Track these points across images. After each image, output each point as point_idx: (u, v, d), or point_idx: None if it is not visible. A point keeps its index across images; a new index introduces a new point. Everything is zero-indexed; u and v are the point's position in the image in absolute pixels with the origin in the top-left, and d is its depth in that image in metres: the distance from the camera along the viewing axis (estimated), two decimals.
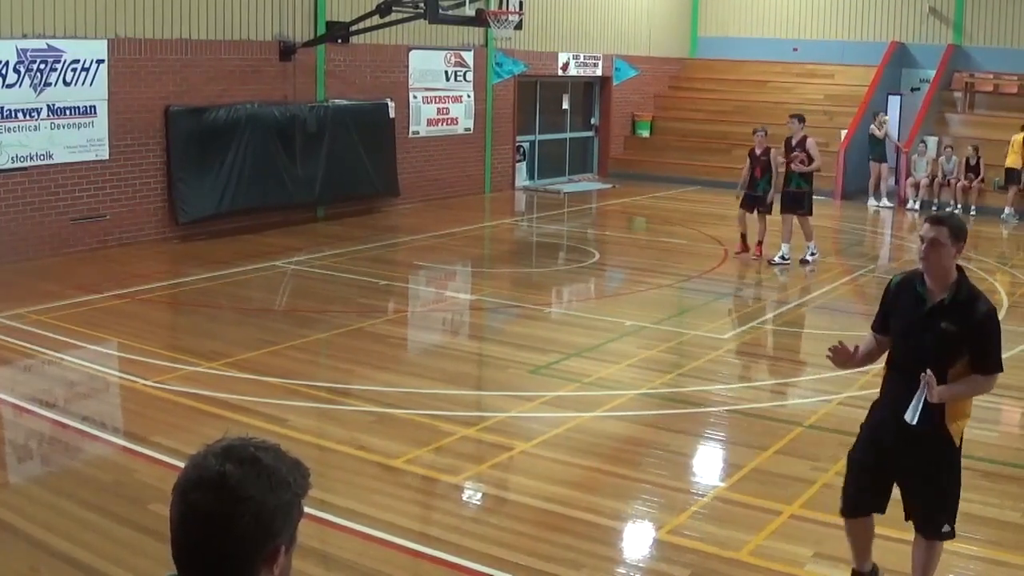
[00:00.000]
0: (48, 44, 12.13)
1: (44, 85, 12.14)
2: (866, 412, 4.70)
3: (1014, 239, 16.76)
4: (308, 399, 7.55)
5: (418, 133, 17.75)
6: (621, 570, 5.22)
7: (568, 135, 22.16)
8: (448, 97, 18.24)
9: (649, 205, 19.04)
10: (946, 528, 4.42)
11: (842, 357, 4.55)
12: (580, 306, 11.38)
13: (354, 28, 15.14)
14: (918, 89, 21.31)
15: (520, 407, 7.56)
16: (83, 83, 12.53)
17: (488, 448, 6.78)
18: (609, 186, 21.13)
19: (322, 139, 15.40)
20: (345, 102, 15.94)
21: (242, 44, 14.51)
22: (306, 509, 1.82)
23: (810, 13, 23.03)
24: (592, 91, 22.56)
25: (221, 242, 13.69)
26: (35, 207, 12.28)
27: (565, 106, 21.81)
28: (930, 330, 4.27)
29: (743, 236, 13.53)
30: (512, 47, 19.05)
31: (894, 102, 20.97)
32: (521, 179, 20.58)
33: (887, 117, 19.68)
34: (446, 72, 18.16)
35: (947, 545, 4.70)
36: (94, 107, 12.70)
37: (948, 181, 18.86)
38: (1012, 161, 18.13)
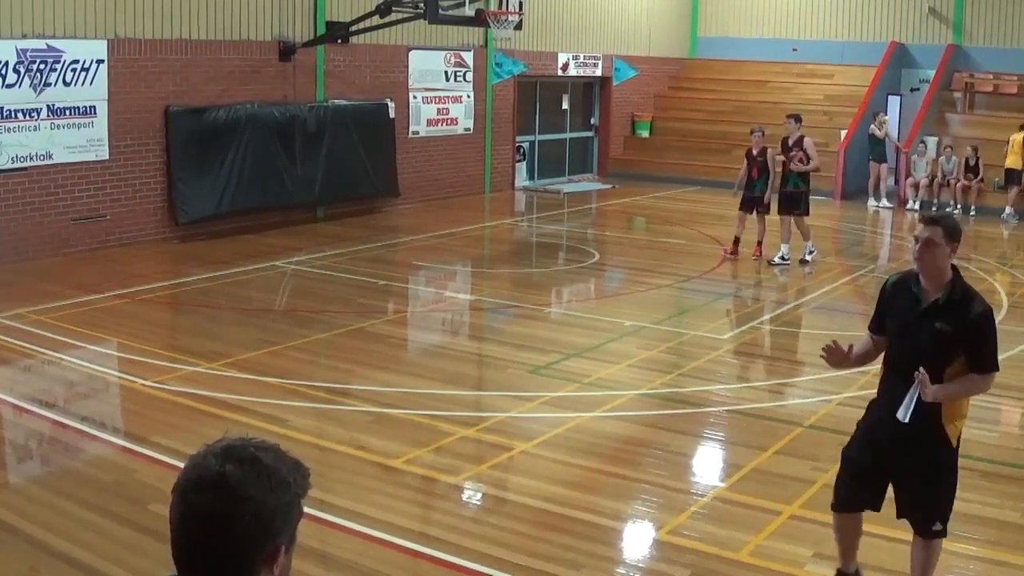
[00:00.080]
0: (48, 44, 12.13)
1: (44, 85, 12.14)
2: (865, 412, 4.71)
3: (1014, 239, 16.76)
4: (308, 399, 7.55)
5: (418, 133, 17.75)
6: (621, 570, 5.23)
7: (568, 135, 22.16)
8: (448, 97, 18.25)
9: (649, 205, 19.04)
10: (937, 527, 4.43)
11: (836, 357, 4.56)
12: (580, 306, 11.38)
13: (354, 28, 15.14)
14: (918, 89, 21.31)
15: (520, 407, 7.56)
16: (83, 83, 12.53)
17: (488, 448, 6.78)
18: (609, 186, 21.13)
19: (322, 139, 15.40)
20: (345, 102, 15.94)
21: (242, 44, 14.51)
22: (306, 509, 1.82)
23: (810, 13, 23.03)
24: (592, 91, 22.56)
25: (221, 242, 13.70)
26: (35, 207, 12.29)
27: (565, 106, 21.81)
28: (925, 330, 4.28)
29: (736, 239, 13.51)
30: (512, 47, 19.05)
31: (894, 102, 20.97)
32: (521, 179, 20.58)
33: (887, 117, 19.68)
34: (446, 72, 18.16)
35: (947, 545, 4.70)
36: (94, 107, 12.70)
37: (948, 181, 18.86)
38: (1012, 162, 18.12)
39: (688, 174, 21.24)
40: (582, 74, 21.54)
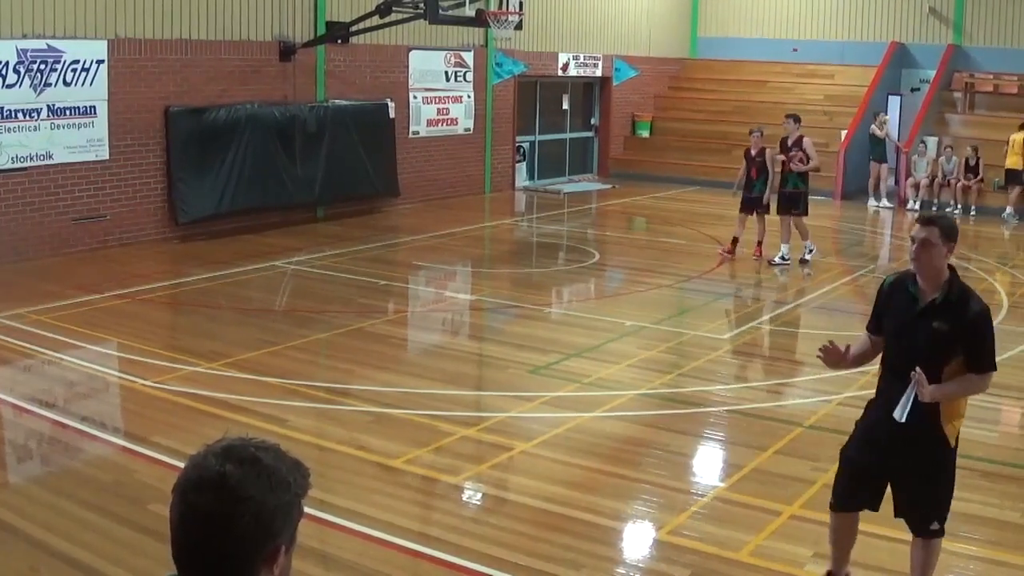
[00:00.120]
0: (48, 44, 12.13)
1: (44, 85, 12.14)
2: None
3: (1015, 239, 16.76)
4: (308, 399, 7.55)
5: (418, 133, 17.75)
6: (621, 570, 5.23)
7: (568, 135, 22.16)
8: (448, 97, 18.25)
9: (649, 205, 19.04)
10: (935, 526, 4.43)
11: (833, 357, 4.56)
12: (580, 306, 11.38)
13: (354, 28, 15.14)
14: (918, 89, 21.31)
15: (520, 407, 7.56)
16: (83, 83, 12.53)
17: (488, 448, 6.78)
18: (609, 186, 21.13)
19: (322, 139, 15.40)
20: (345, 102, 15.94)
21: (242, 44, 14.51)
22: (306, 509, 1.82)
23: (810, 13, 23.03)
24: (592, 91, 22.56)
25: (221, 242, 13.70)
26: (35, 207, 12.29)
27: (565, 106, 21.81)
28: (923, 330, 4.28)
29: (735, 239, 13.51)
30: (512, 47, 19.05)
31: (894, 102, 20.97)
32: (521, 179, 20.58)
33: (887, 117, 19.68)
34: (446, 72, 18.16)
35: (947, 545, 4.70)
36: (94, 107, 12.70)
37: (948, 181, 18.87)
38: (1013, 162, 18.10)
39: (688, 174, 21.24)
40: (582, 74, 21.54)
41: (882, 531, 5.07)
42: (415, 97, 17.56)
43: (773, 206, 13.32)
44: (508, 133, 19.80)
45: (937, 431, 4.31)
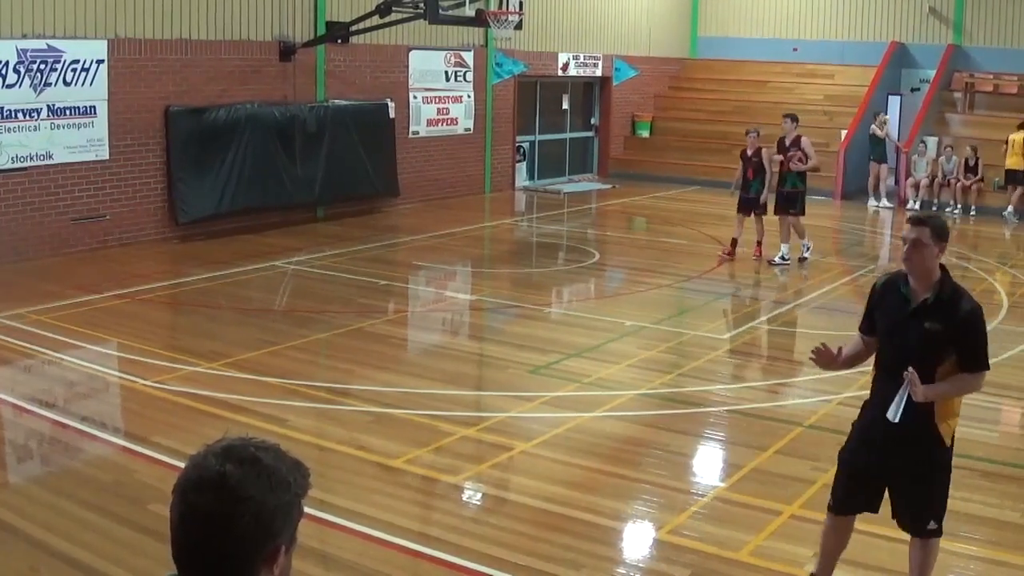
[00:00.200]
0: (48, 44, 12.13)
1: (44, 85, 12.14)
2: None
3: (1015, 239, 16.76)
4: (308, 399, 7.55)
5: (418, 133, 17.75)
6: (621, 570, 5.23)
7: (568, 135, 22.16)
8: (448, 97, 18.25)
9: (649, 205, 19.04)
10: (932, 526, 4.43)
11: (825, 359, 4.58)
12: (580, 306, 11.38)
13: (354, 28, 15.14)
14: (918, 89, 21.31)
15: (520, 407, 7.56)
16: (83, 83, 12.53)
17: (488, 448, 6.78)
18: (609, 186, 21.13)
19: (322, 139, 15.40)
20: (345, 102, 15.94)
21: (242, 44, 14.51)
22: (306, 509, 1.82)
23: (810, 13, 23.03)
24: (592, 91, 22.56)
25: (221, 242, 13.70)
26: (35, 207, 12.29)
27: (565, 106, 21.81)
28: (915, 329, 4.29)
29: (734, 240, 13.50)
30: (512, 47, 19.05)
31: (894, 102, 20.97)
32: (521, 179, 20.58)
33: (887, 117, 19.68)
34: (446, 72, 18.16)
35: (947, 545, 4.70)
36: (94, 107, 12.70)
37: (948, 181, 18.87)
38: (1014, 163, 18.08)
39: (688, 174, 21.24)
40: (582, 74, 21.54)
41: (882, 531, 5.07)
42: (415, 97, 17.56)
43: (770, 206, 13.32)
44: (508, 133, 19.80)
45: (932, 430, 4.31)
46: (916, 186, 19.03)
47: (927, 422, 4.29)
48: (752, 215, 13.35)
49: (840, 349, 4.62)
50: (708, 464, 6.92)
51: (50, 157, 12.31)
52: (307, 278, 12.06)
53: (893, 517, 4.53)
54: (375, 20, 14.88)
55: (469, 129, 18.78)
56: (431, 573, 5.08)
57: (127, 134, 13.12)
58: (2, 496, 5.81)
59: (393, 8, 14.63)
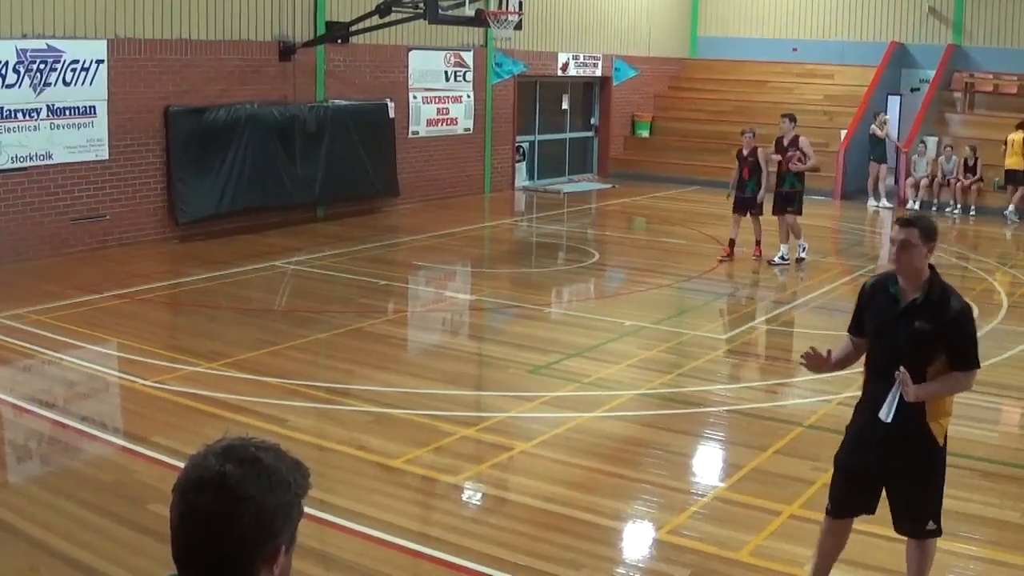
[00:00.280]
0: (48, 44, 12.13)
1: (44, 85, 12.14)
2: None
3: (1015, 239, 16.76)
4: (308, 399, 7.55)
5: (418, 133, 17.75)
6: (621, 570, 5.23)
7: (568, 135, 22.16)
8: (448, 97, 18.25)
9: (649, 205, 19.05)
10: (931, 526, 4.43)
11: (815, 363, 4.59)
12: (580, 306, 11.38)
13: (354, 28, 15.14)
14: (918, 89, 21.31)
15: (520, 407, 7.56)
16: (83, 83, 12.53)
17: (488, 448, 6.78)
18: (609, 186, 21.13)
19: (322, 139, 15.40)
20: (345, 102, 15.94)
21: (242, 44, 14.51)
22: (306, 509, 1.82)
23: (810, 13, 23.03)
24: (592, 91, 22.56)
25: (221, 242, 13.70)
26: (35, 207, 12.29)
27: (565, 106, 21.81)
28: (904, 329, 4.29)
29: (732, 241, 13.48)
30: (512, 47, 19.05)
31: (894, 102, 20.97)
32: (521, 179, 20.58)
33: (887, 117, 19.68)
34: (446, 72, 18.16)
35: (947, 545, 4.70)
36: (94, 107, 12.70)
37: (948, 181, 18.86)
38: (1014, 163, 18.08)
39: (688, 174, 21.23)
40: (582, 74, 21.54)
41: (882, 531, 5.07)
42: (415, 97, 17.56)
43: (767, 206, 13.30)
44: (508, 133, 19.80)
45: (924, 429, 4.31)
46: (916, 186, 19.03)
47: (919, 422, 4.29)
48: (748, 215, 13.34)
49: (830, 352, 4.63)
50: (708, 464, 6.93)
51: (50, 157, 12.31)
52: (307, 278, 12.06)
53: (892, 522, 4.52)
54: (375, 20, 14.88)
55: (469, 129, 18.78)
56: (431, 573, 5.08)
57: (127, 134, 13.12)
58: (2, 496, 5.81)
59: (393, 8, 14.63)
